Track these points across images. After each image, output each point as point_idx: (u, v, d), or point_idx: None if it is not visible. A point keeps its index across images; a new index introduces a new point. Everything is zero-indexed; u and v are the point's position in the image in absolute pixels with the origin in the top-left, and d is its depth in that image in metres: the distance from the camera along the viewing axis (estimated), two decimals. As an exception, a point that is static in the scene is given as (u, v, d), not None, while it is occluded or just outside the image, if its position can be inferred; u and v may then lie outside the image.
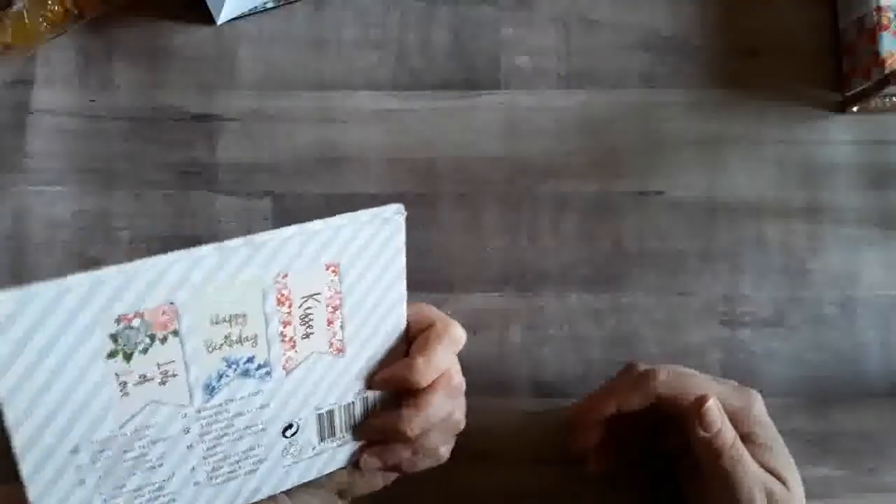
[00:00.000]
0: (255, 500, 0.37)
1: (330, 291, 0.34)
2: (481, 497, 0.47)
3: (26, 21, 0.47)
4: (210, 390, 0.33)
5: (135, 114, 0.50)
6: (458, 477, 0.47)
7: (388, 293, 0.36)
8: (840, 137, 0.50)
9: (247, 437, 0.35)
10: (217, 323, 0.32)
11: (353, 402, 0.38)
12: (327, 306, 0.34)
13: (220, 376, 0.33)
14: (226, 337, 0.32)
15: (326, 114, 0.50)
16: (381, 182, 0.49)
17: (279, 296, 0.33)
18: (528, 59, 0.51)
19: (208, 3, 0.49)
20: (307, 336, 0.34)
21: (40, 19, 0.48)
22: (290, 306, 0.33)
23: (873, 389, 0.48)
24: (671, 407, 0.40)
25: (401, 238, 0.34)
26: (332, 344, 0.35)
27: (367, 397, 0.38)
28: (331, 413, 0.37)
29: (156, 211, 0.49)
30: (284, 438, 0.36)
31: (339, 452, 0.39)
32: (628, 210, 0.50)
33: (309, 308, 0.34)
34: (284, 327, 0.34)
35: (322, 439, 0.38)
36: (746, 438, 0.39)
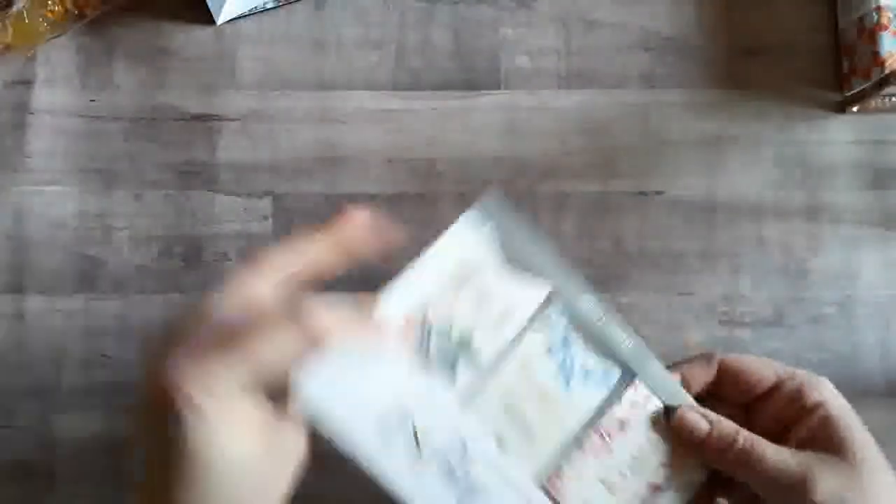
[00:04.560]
0: None
1: None
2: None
3: (26, 21, 0.47)
4: None
5: (135, 114, 0.50)
6: (458, 477, 0.47)
7: None
8: (840, 137, 0.50)
9: None
10: None
11: None
12: None
13: None
14: None
15: (326, 114, 0.50)
16: (381, 182, 0.49)
17: None
18: (528, 59, 0.51)
19: (208, 3, 0.49)
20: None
21: (40, 19, 0.48)
22: None
23: (873, 389, 0.48)
24: (733, 387, 0.38)
25: None
26: None
27: None
28: None
29: (156, 211, 0.49)
30: None
31: None
32: (628, 210, 0.50)
33: None
34: None
35: None
36: (797, 420, 0.36)
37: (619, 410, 0.36)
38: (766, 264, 0.49)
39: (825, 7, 0.51)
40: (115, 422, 0.48)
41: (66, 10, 0.48)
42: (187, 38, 0.50)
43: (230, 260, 0.48)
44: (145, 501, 0.30)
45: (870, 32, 0.47)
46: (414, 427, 0.34)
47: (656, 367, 0.37)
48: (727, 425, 0.36)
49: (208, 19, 0.50)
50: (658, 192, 0.50)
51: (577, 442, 0.36)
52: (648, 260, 0.49)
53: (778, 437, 0.35)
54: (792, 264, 0.49)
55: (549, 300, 0.36)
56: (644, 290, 0.49)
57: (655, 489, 0.36)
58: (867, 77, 0.48)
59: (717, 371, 0.38)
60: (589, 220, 0.49)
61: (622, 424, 0.36)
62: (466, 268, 0.36)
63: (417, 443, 0.34)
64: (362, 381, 0.33)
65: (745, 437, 0.35)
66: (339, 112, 0.50)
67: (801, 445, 0.35)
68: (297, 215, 0.49)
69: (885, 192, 0.50)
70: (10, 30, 0.47)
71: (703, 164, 0.50)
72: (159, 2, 0.51)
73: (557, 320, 0.36)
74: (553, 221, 0.49)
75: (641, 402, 0.37)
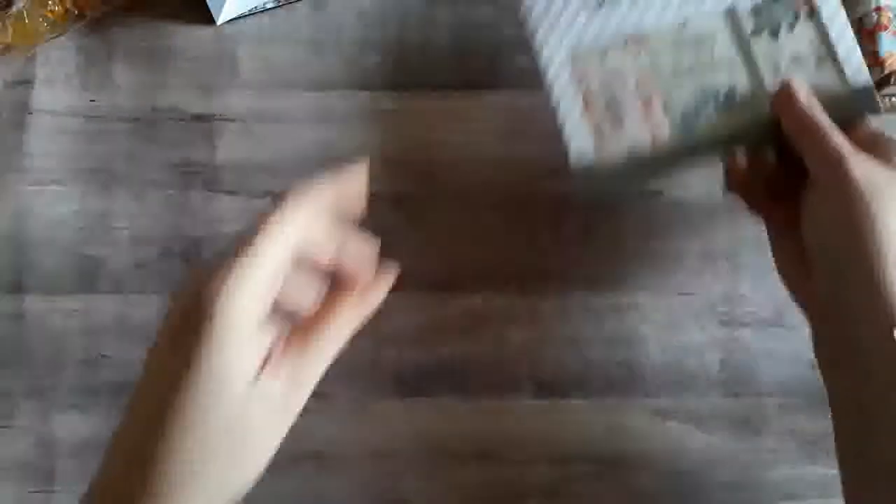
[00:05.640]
0: None
1: None
2: (481, 496, 0.47)
3: (26, 21, 0.48)
4: None
5: (135, 114, 0.50)
6: (459, 476, 0.47)
7: None
8: (840, 137, 0.50)
9: None
10: None
11: None
12: None
13: None
14: None
15: (326, 114, 0.50)
16: (381, 182, 0.49)
17: None
18: (528, 59, 0.51)
19: (208, 3, 0.49)
20: None
21: (40, 19, 0.48)
22: None
23: (873, 389, 0.48)
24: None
25: None
26: None
27: None
28: None
29: (156, 211, 0.49)
30: None
31: None
32: (628, 210, 0.50)
33: None
34: None
35: None
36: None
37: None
38: (766, 264, 0.49)
39: (825, 7, 0.51)
40: (115, 422, 0.47)
41: (66, 10, 0.48)
42: (187, 38, 0.50)
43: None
44: (129, 437, 0.30)
45: (870, 32, 0.47)
46: None
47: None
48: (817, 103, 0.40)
49: (208, 19, 0.50)
50: (658, 193, 0.50)
51: None
52: (648, 260, 0.49)
53: None
54: (792, 264, 0.49)
55: None
56: (644, 290, 0.49)
57: None
58: (867, 77, 0.48)
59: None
60: (589, 220, 0.49)
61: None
62: None
63: None
64: None
65: (823, 114, 0.39)
66: (339, 112, 0.50)
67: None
68: (297, 215, 0.49)
69: (885, 192, 0.50)
70: (10, 30, 0.47)
71: (703, 164, 0.50)
72: (159, 2, 0.51)
73: None
74: (553, 221, 0.49)
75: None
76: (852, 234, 0.36)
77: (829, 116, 0.39)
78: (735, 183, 0.43)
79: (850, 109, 0.42)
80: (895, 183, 0.37)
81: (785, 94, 0.40)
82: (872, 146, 0.38)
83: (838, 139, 0.38)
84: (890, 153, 0.38)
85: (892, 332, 0.34)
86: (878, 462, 0.35)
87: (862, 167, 0.37)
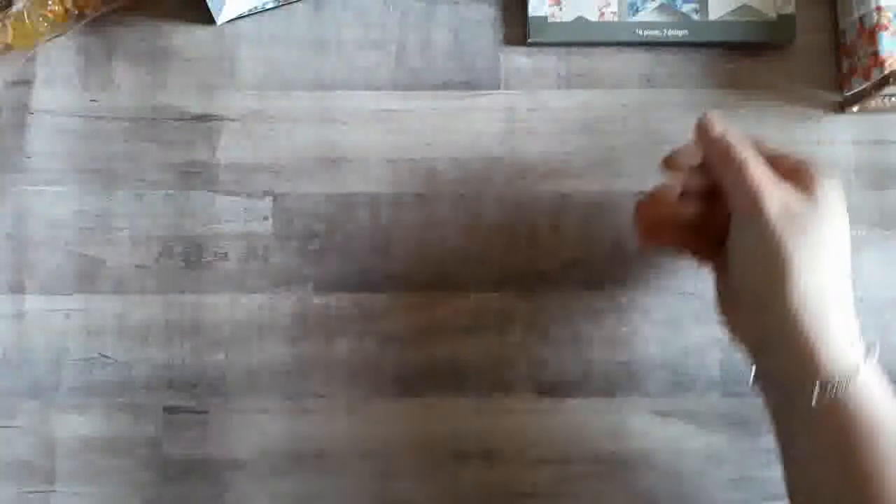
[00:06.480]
0: None
1: None
2: (481, 496, 0.47)
3: (26, 21, 0.47)
4: None
5: (135, 114, 0.50)
6: (459, 476, 0.47)
7: None
8: (840, 137, 0.50)
9: None
10: None
11: None
12: None
13: None
14: None
15: (326, 114, 0.50)
16: (381, 182, 0.49)
17: None
18: (527, 59, 0.51)
19: (208, 3, 0.49)
20: None
21: (40, 19, 0.48)
22: None
23: (873, 389, 0.48)
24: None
25: None
26: None
27: None
28: None
29: (156, 211, 0.49)
30: None
31: None
32: (628, 210, 0.50)
33: None
34: None
35: None
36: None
37: None
38: (766, 264, 0.49)
39: (825, 7, 0.51)
40: (115, 422, 0.48)
41: (66, 10, 0.48)
42: (187, 38, 0.50)
43: (230, 260, 0.48)
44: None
45: (870, 32, 0.47)
46: None
47: None
48: (737, 133, 0.39)
49: (208, 19, 0.50)
50: (658, 192, 0.50)
51: None
52: (648, 260, 0.49)
53: None
54: (792, 264, 0.49)
55: None
56: (644, 290, 0.49)
57: None
58: (867, 77, 0.48)
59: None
60: (589, 220, 0.49)
61: None
62: None
63: None
64: None
65: (741, 145, 0.38)
66: (339, 112, 0.50)
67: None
68: (297, 215, 0.49)
69: (885, 192, 0.50)
70: (10, 30, 0.47)
71: (703, 164, 0.50)
72: (159, 2, 0.51)
73: None
74: (553, 221, 0.49)
75: None
76: (768, 272, 0.36)
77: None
78: (648, 230, 0.43)
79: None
80: (812, 215, 0.36)
81: (702, 127, 0.40)
82: (795, 175, 0.38)
83: (756, 171, 0.37)
84: (809, 182, 0.37)
85: (809, 375, 0.35)
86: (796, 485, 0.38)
87: (778, 202, 0.36)
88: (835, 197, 0.38)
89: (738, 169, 0.37)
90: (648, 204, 0.43)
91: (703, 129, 0.40)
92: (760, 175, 0.37)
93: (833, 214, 0.37)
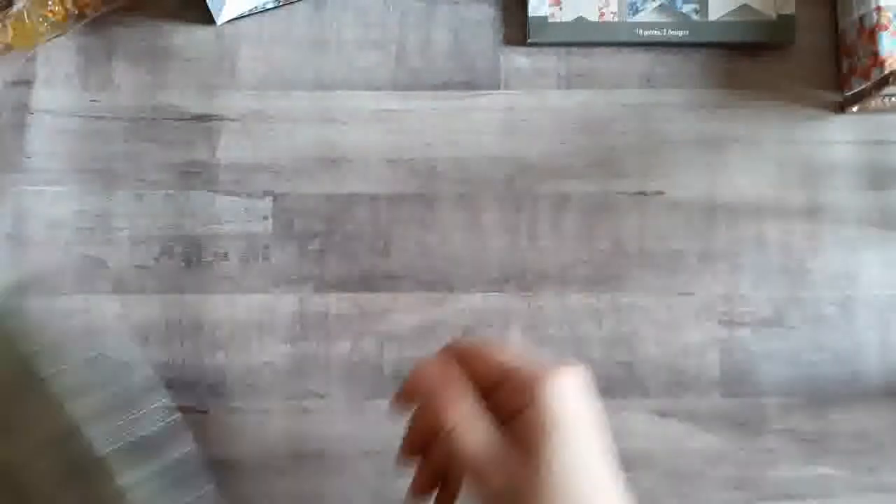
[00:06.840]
0: None
1: None
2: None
3: (26, 21, 0.47)
4: None
5: (135, 114, 0.50)
6: (458, 477, 0.47)
7: None
8: (840, 137, 0.50)
9: None
10: None
11: None
12: None
13: None
14: None
15: (326, 114, 0.50)
16: (381, 182, 0.49)
17: None
18: (527, 59, 0.51)
19: (208, 3, 0.49)
20: None
21: (40, 19, 0.48)
22: None
23: (872, 389, 0.49)
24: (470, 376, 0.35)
25: None
26: None
27: None
28: None
29: (156, 211, 0.49)
30: None
31: None
32: (628, 210, 0.50)
33: None
34: None
35: None
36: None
37: None
38: (766, 264, 0.49)
39: (825, 7, 0.51)
40: (115, 422, 0.48)
41: (66, 10, 0.48)
42: (187, 38, 0.50)
43: (230, 260, 0.48)
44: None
45: (870, 32, 0.47)
46: None
47: None
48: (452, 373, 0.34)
49: (208, 19, 0.50)
50: (658, 192, 0.50)
51: None
52: (648, 260, 0.49)
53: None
54: (792, 264, 0.49)
55: None
56: (644, 290, 0.49)
57: None
58: (867, 77, 0.48)
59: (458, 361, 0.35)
60: (589, 220, 0.49)
61: None
62: None
63: None
64: None
65: (455, 424, 0.33)
66: (339, 112, 0.50)
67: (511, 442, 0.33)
68: (297, 215, 0.49)
69: (885, 192, 0.50)
70: (10, 30, 0.47)
71: (703, 164, 0.50)
72: (159, 2, 0.51)
73: None
74: (553, 221, 0.49)
75: None
76: None
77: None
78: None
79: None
80: (535, 486, 0.31)
81: (408, 385, 0.35)
82: (516, 406, 0.33)
83: (469, 448, 0.32)
84: (530, 433, 0.32)
85: None
86: None
87: (498, 483, 0.32)
88: (563, 421, 0.34)
89: (453, 448, 0.33)
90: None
91: (409, 388, 0.35)
92: (475, 452, 0.32)
93: (560, 458, 0.33)
